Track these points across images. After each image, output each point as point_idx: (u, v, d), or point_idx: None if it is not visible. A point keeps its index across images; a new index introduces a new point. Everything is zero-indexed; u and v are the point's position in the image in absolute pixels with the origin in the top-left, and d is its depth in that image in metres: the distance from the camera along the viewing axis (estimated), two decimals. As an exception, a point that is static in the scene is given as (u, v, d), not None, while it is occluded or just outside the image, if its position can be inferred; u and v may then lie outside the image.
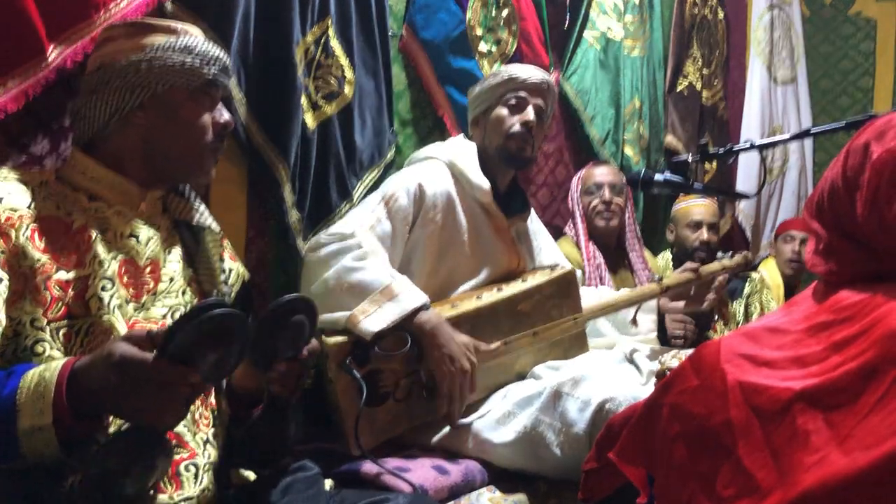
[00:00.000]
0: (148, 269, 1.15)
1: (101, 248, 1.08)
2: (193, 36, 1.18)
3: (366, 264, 1.65)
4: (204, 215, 1.28)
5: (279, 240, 1.94)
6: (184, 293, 1.18)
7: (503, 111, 1.93)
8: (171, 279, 1.17)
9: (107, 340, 1.02)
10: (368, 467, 1.50)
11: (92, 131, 1.14)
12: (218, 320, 0.85)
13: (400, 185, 1.81)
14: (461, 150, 1.94)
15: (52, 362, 0.91)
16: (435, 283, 1.84)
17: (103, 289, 1.06)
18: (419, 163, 1.95)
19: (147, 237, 1.16)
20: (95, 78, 1.14)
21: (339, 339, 1.59)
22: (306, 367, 1.16)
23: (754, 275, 3.36)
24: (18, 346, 0.98)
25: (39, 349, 0.98)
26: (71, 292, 1.03)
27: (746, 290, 3.30)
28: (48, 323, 1.00)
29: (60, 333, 1.01)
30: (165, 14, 1.67)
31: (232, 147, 1.82)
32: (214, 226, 1.28)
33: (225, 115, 1.21)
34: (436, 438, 1.68)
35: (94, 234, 1.08)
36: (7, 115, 1.29)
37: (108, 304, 1.05)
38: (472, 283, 1.89)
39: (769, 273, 3.42)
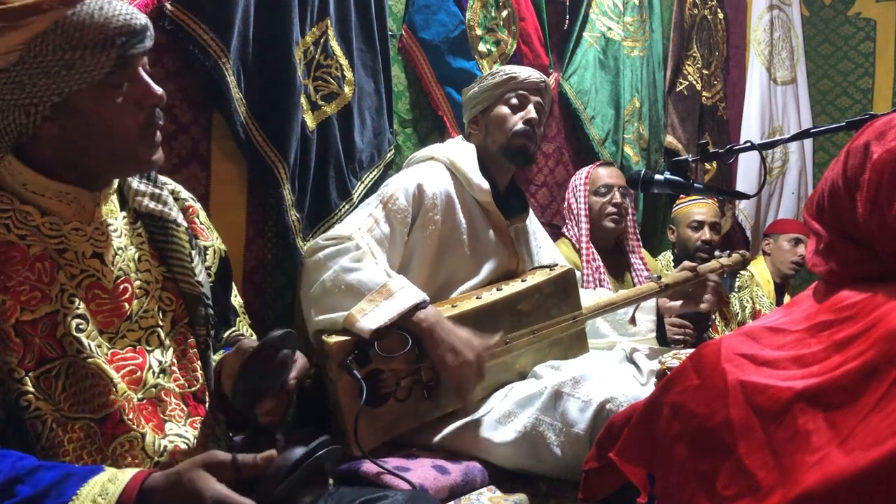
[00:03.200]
0: (119, 291, 1.03)
1: (65, 278, 0.97)
2: (76, 11, 0.92)
3: (362, 265, 1.65)
4: (167, 204, 1.12)
5: (279, 240, 1.94)
6: (159, 307, 1.08)
7: (505, 109, 1.95)
8: (146, 292, 1.07)
9: (96, 385, 0.96)
10: (368, 466, 1.50)
11: (7, 144, 0.96)
12: (320, 461, 0.85)
13: (399, 186, 1.81)
14: (460, 151, 1.95)
15: (115, 479, 0.85)
16: (434, 283, 1.84)
17: (78, 329, 0.96)
18: (419, 163, 1.95)
19: (113, 252, 1.04)
20: None
21: (341, 338, 1.59)
22: (294, 392, 1.11)
23: (743, 272, 3.37)
24: (4, 398, 0.91)
25: (24, 403, 0.91)
26: (40, 333, 0.93)
27: (737, 284, 3.32)
28: (27, 373, 0.92)
29: (41, 381, 0.93)
30: (164, 15, 1.67)
31: (232, 147, 1.82)
32: (180, 218, 1.13)
33: (154, 91, 1.00)
34: (436, 438, 1.68)
35: (55, 261, 0.97)
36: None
37: (89, 346, 0.96)
38: (472, 283, 1.89)
39: (758, 271, 3.44)
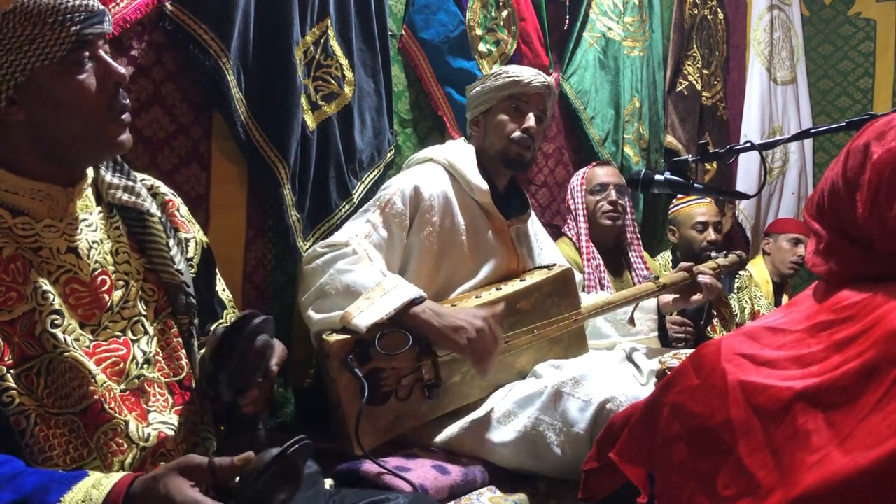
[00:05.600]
0: (98, 283, 1.04)
1: (39, 277, 0.98)
2: None
3: (357, 267, 1.66)
4: (141, 195, 1.12)
5: (279, 240, 1.94)
6: (141, 298, 1.09)
7: (504, 115, 1.94)
8: (126, 283, 1.08)
9: (74, 378, 0.96)
10: (368, 467, 1.50)
11: None
12: (293, 458, 0.85)
13: (396, 189, 1.82)
14: (459, 152, 1.95)
15: (100, 484, 0.85)
16: (434, 284, 1.84)
17: (53, 325, 0.97)
18: (417, 165, 1.95)
19: (87, 246, 1.04)
20: None
21: (341, 337, 1.59)
22: (275, 379, 1.12)
23: (742, 272, 3.39)
24: None
25: (7, 399, 0.92)
26: (19, 332, 0.95)
27: (736, 285, 3.33)
28: (7, 371, 0.93)
29: (23, 378, 0.94)
30: (164, 15, 1.67)
31: (232, 147, 1.82)
32: (153, 208, 1.14)
33: (116, 70, 1.02)
34: (436, 438, 1.68)
35: (28, 261, 0.98)
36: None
37: (65, 340, 0.97)
38: (472, 283, 1.89)
39: (756, 271, 3.44)
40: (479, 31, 2.49)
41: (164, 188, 1.21)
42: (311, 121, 1.95)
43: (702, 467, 0.99)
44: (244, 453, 0.87)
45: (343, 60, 2.04)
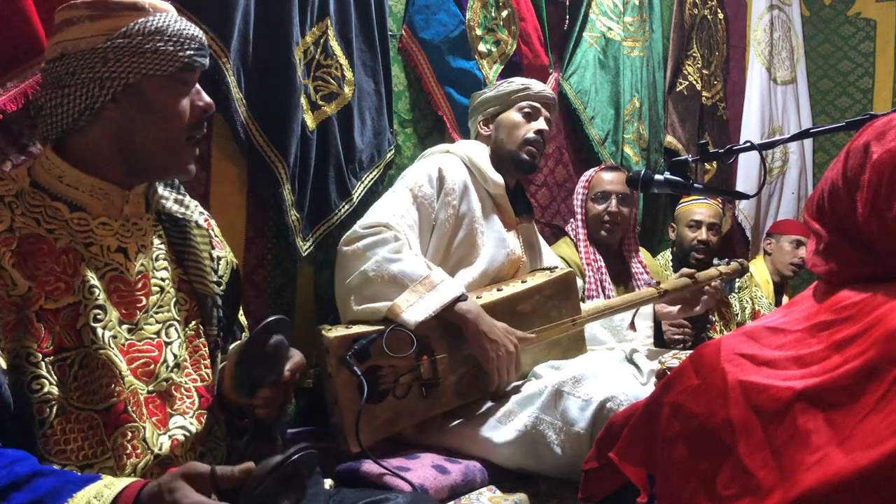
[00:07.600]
0: (139, 286, 1.08)
1: (89, 271, 1.02)
2: (165, 14, 1.06)
3: (403, 255, 1.69)
4: (189, 208, 1.19)
5: (279, 240, 1.94)
6: (175, 304, 1.12)
7: (517, 116, 2.02)
8: (161, 289, 1.11)
9: (104, 376, 0.99)
10: (368, 467, 1.50)
11: (61, 128, 1.03)
12: (296, 466, 0.84)
13: (422, 172, 1.87)
14: (475, 148, 2.01)
15: (112, 485, 0.86)
16: (445, 268, 1.85)
17: (96, 319, 1.00)
18: (436, 154, 1.99)
19: (136, 248, 1.09)
20: (59, 68, 1.01)
21: (340, 333, 1.59)
22: (291, 386, 1.14)
23: None
24: (16, 382, 0.94)
25: (36, 386, 0.94)
26: (61, 322, 0.98)
27: (736, 284, 3.33)
28: (43, 358, 0.95)
29: (55, 368, 0.96)
30: (165, 14, 1.67)
31: (232, 147, 1.82)
32: (201, 220, 1.20)
33: (205, 99, 1.11)
34: (436, 437, 1.68)
35: (80, 254, 1.02)
36: (6, 116, 1.29)
37: (103, 336, 1.00)
38: (478, 273, 1.90)
39: (757, 271, 3.45)
40: (479, 31, 2.49)
41: (200, 208, 1.25)
42: (310, 121, 1.95)
43: (702, 467, 0.99)
44: (244, 463, 0.87)
45: (343, 60, 2.04)
